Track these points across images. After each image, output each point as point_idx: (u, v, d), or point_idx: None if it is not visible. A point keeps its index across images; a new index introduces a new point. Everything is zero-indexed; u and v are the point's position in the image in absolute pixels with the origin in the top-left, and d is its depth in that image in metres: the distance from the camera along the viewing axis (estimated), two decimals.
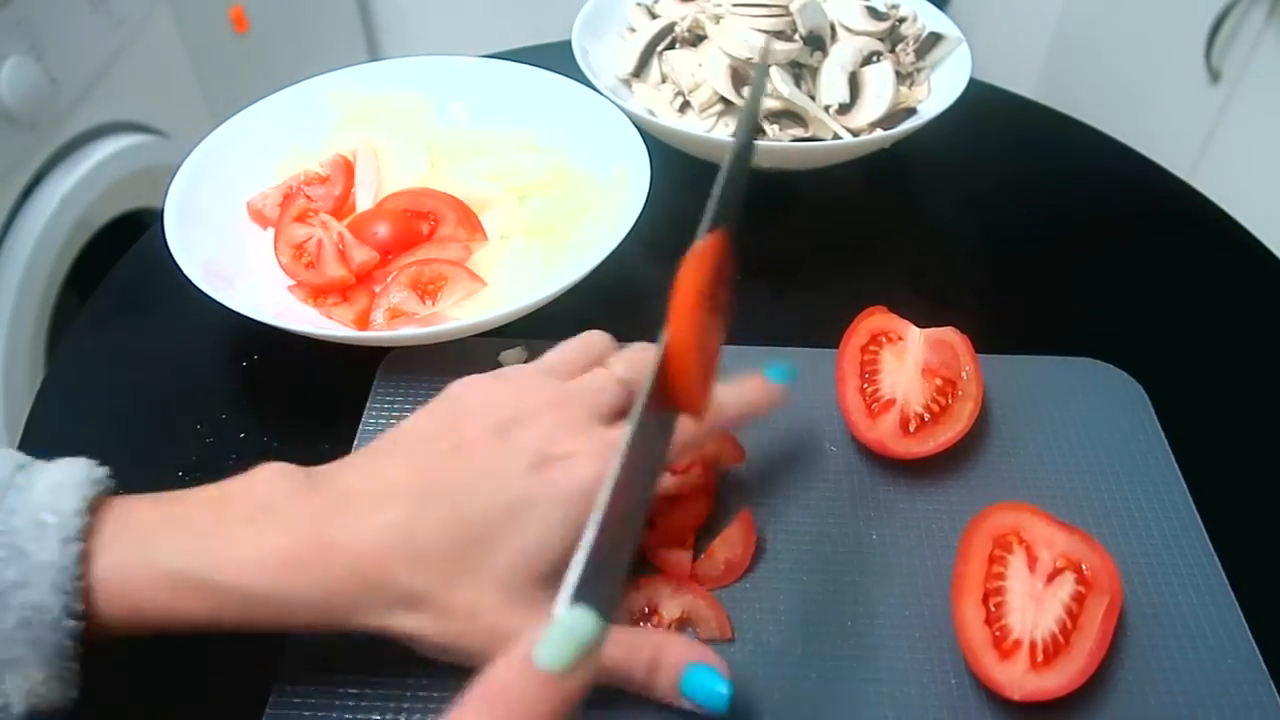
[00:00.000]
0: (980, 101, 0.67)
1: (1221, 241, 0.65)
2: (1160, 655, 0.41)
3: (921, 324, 0.50)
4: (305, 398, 0.52)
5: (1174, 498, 0.47)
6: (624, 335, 0.55)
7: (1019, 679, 0.38)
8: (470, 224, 0.57)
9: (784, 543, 0.45)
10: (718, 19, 0.65)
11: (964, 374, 0.48)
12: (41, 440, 0.51)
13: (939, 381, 0.48)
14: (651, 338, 0.55)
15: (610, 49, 0.71)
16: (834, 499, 0.47)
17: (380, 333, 0.51)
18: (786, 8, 0.64)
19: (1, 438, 1.02)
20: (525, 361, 0.53)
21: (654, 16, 0.71)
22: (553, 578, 0.34)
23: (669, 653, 0.36)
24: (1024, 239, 0.64)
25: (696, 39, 0.68)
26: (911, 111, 0.65)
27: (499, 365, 0.53)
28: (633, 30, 0.71)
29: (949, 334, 0.50)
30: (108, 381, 0.54)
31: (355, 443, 0.49)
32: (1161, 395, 0.52)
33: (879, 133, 0.62)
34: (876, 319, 0.51)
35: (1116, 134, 0.73)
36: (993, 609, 0.39)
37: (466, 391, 0.40)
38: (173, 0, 1.26)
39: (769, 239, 0.64)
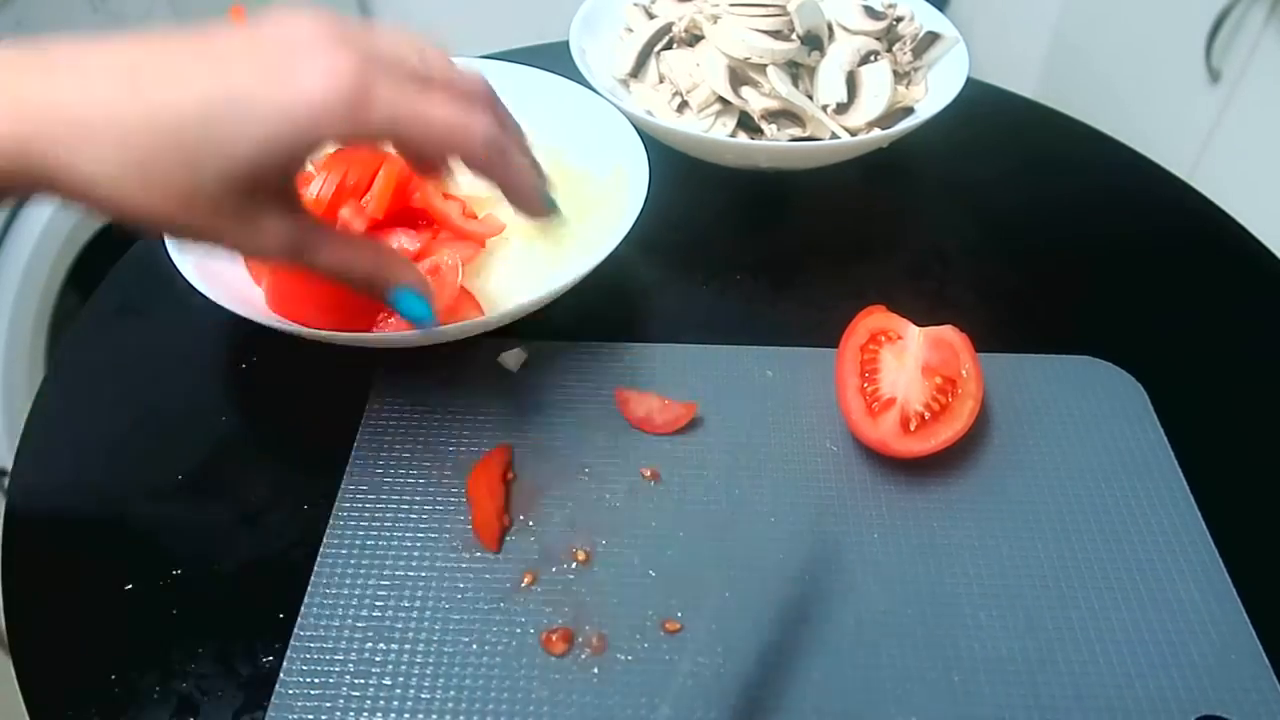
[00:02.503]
0: (978, 101, 0.67)
1: (1221, 241, 0.65)
2: (1163, 652, 0.41)
3: (921, 323, 0.51)
4: (304, 399, 0.52)
5: (1174, 496, 0.47)
6: (623, 335, 0.55)
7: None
8: (470, 226, 0.57)
9: (784, 542, 0.45)
10: (715, 19, 0.65)
11: (964, 372, 0.48)
12: (41, 440, 0.51)
13: (939, 380, 0.48)
14: (649, 337, 0.55)
15: (608, 49, 0.71)
16: (834, 498, 0.47)
17: (379, 334, 0.51)
18: (784, 7, 0.64)
19: (1, 437, 1.02)
20: (525, 362, 0.53)
21: (652, 16, 0.71)
22: (251, 174, 0.33)
23: (383, 273, 0.39)
24: (1023, 238, 0.64)
25: (694, 39, 0.68)
26: (909, 111, 0.65)
27: (499, 366, 0.53)
28: (630, 30, 0.71)
29: (948, 332, 0.50)
30: (107, 382, 0.54)
31: (354, 444, 0.49)
32: (1161, 395, 0.52)
33: (877, 132, 0.62)
34: (876, 318, 0.51)
35: (1116, 134, 0.73)
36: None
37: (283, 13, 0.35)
38: (173, 0, 1.26)
39: (768, 239, 0.64)
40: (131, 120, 0.31)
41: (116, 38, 0.33)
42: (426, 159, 0.37)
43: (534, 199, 0.39)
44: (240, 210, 0.34)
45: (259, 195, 0.34)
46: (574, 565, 0.44)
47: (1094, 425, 0.50)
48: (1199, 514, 0.46)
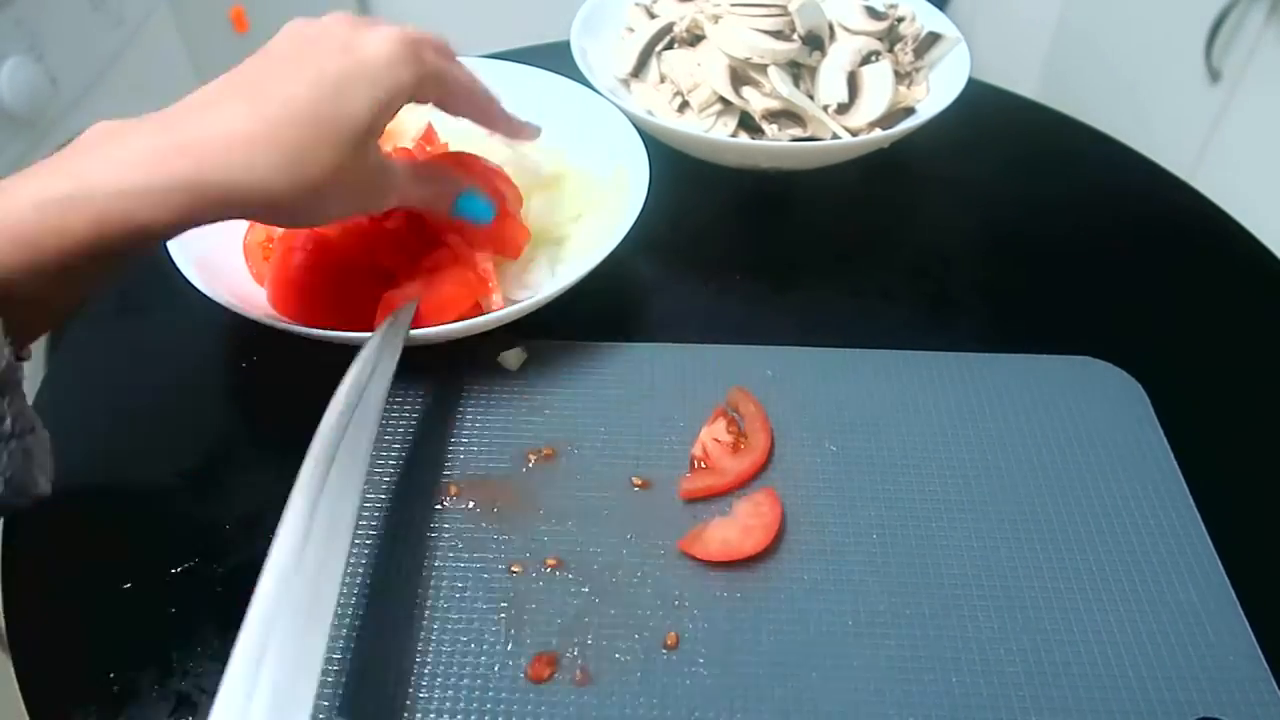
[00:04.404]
0: (979, 101, 0.67)
1: (1221, 241, 0.65)
2: (1161, 653, 0.41)
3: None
4: (304, 399, 0.52)
5: (1174, 496, 0.47)
6: (624, 335, 0.55)
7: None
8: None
9: (783, 541, 0.45)
10: (716, 19, 0.65)
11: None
12: None
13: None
14: (649, 337, 0.55)
15: (609, 49, 0.71)
16: (832, 498, 0.47)
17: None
18: (785, 7, 0.64)
19: None
20: (525, 361, 0.53)
21: (653, 16, 0.71)
22: (371, 127, 0.41)
23: (454, 186, 0.48)
24: (1023, 238, 0.64)
25: (695, 39, 0.68)
26: (910, 111, 0.65)
27: (499, 366, 0.53)
28: (631, 30, 0.71)
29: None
30: (107, 382, 0.54)
31: None
32: (1161, 395, 0.52)
33: (878, 132, 0.62)
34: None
35: (1116, 134, 0.73)
36: None
37: (278, 34, 0.43)
38: (173, 0, 1.26)
39: (768, 239, 0.64)
40: (266, 126, 0.38)
41: (220, 80, 0.41)
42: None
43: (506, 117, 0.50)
44: (369, 165, 0.42)
45: (373, 146, 0.42)
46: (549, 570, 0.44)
47: (1094, 425, 0.50)
48: (1198, 515, 0.46)
